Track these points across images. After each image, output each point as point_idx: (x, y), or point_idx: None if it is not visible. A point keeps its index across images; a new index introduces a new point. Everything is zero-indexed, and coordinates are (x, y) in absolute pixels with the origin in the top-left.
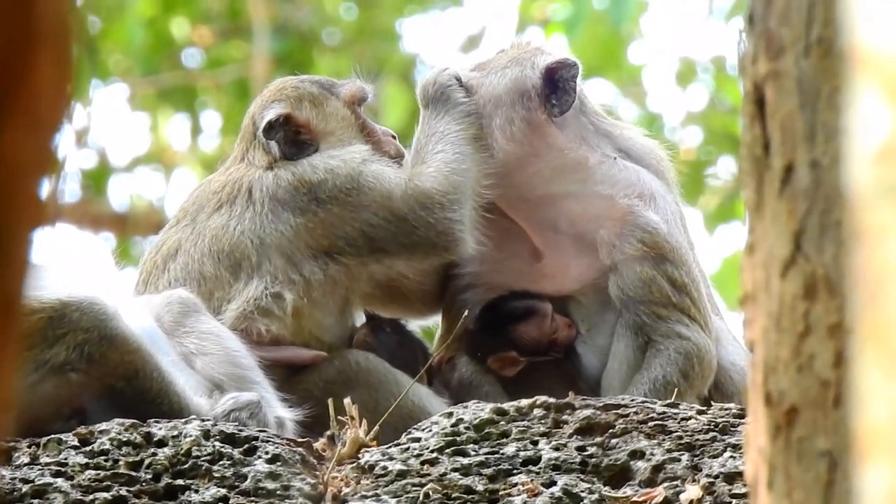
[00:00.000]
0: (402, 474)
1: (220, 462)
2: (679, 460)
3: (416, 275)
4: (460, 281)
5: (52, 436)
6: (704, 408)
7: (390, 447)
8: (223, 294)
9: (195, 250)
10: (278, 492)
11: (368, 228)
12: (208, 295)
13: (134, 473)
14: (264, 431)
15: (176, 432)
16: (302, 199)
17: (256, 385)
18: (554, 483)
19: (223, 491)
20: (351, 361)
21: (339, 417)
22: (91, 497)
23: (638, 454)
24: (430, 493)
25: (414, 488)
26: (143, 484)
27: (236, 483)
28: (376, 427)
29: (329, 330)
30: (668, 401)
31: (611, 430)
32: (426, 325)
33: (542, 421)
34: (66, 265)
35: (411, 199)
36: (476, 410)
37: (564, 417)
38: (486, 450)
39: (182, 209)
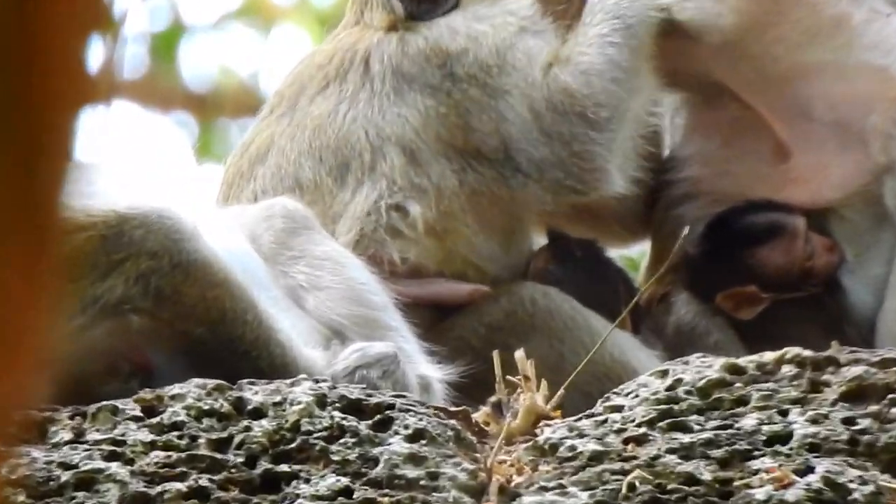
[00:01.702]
0: (597, 457)
1: (341, 440)
2: None
3: (580, 205)
4: (676, 189)
5: (105, 402)
6: None
7: (581, 419)
8: (325, 208)
9: (291, 148)
10: (422, 482)
11: (504, 127)
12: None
13: (219, 456)
14: (403, 397)
15: (278, 398)
16: (434, 74)
17: (392, 332)
18: (811, 469)
19: (345, 480)
20: (525, 299)
21: (508, 377)
22: (158, 489)
23: None
24: (637, 483)
25: (614, 477)
26: (233, 470)
27: (363, 469)
28: (561, 391)
29: (492, 256)
30: None
31: (891, 395)
32: (629, 253)
33: (794, 382)
34: (126, 163)
35: (547, 92)
36: (701, 368)
37: (825, 377)
38: (716, 423)
39: (278, 94)
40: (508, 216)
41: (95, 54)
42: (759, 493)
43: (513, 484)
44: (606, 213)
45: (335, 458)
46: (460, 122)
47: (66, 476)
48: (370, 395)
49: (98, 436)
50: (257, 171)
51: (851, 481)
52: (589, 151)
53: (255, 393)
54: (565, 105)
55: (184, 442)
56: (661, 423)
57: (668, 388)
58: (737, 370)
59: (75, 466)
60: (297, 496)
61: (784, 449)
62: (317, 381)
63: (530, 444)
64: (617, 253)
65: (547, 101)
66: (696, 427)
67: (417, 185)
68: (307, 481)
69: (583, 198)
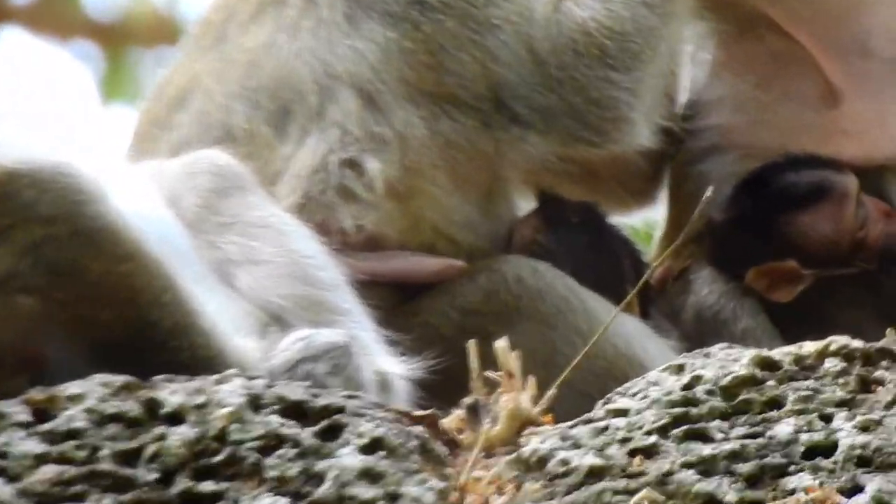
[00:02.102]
0: (596, 473)
1: (279, 452)
2: None
3: (578, 160)
4: (699, 140)
5: None
6: None
7: (576, 426)
8: (263, 165)
9: (219, 89)
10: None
11: (493, 70)
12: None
13: (127, 471)
14: (356, 398)
15: (202, 399)
16: (397, 1)
17: (343, 317)
18: (860, 489)
19: (282, 502)
20: (508, 277)
21: (486, 373)
22: None
23: None
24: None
25: (617, 498)
26: (144, 489)
27: (306, 489)
28: (552, 390)
29: (467, 223)
30: None
31: None
32: (632, 221)
33: (841, 380)
34: (14, 104)
35: (556, 30)
36: (725, 362)
37: (879, 374)
38: (743, 430)
39: (203, 21)
40: (489, 174)
41: None
42: None
43: None
44: (609, 170)
45: (271, 474)
46: (432, 62)
47: None
48: (316, 396)
49: None
50: (178, 118)
51: None
52: (610, 98)
53: (173, 393)
54: (579, 45)
55: (83, 454)
56: (675, 431)
57: (685, 387)
58: (770, 365)
59: None
60: None
61: (827, 463)
62: (250, 378)
63: (514, 456)
64: (622, 220)
65: (553, 41)
66: (719, 436)
67: (377, 135)
68: (236, 502)
69: (599, 151)
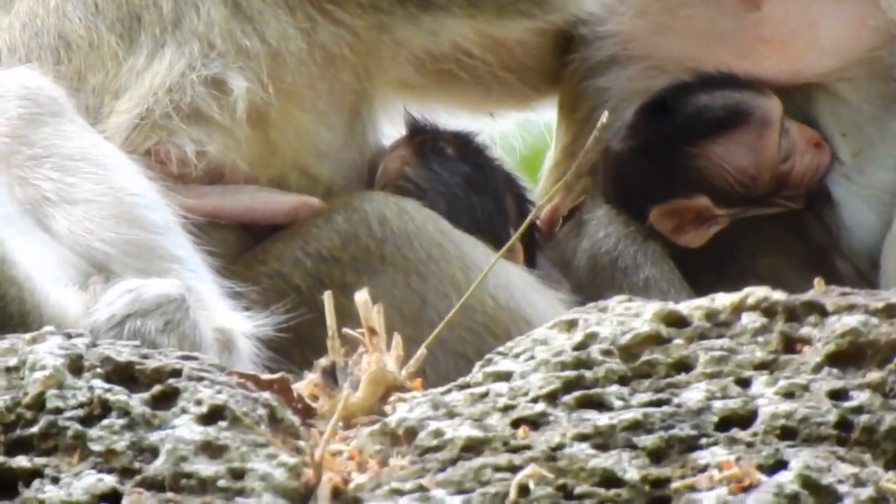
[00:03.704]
0: (473, 447)
1: (105, 422)
2: None
3: (491, 46)
4: (595, 50)
5: None
6: None
7: (450, 391)
8: (106, 79)
9: None
10: (221, 482)
11: None
12: (76, 79)
13: None
14: (194, 359)
15: (14, 361)
16: None
17: (178, 265)
18: (783, 464)
19: (110, 480)
20: (370, 217)
21: (345, 330)
22: None
23: None
24: (531, 484)
25: (498, 475)
26: None
27: (136, 464)
28: (421, 351)
29: (328, 153)
30: None
31: None
32: (519, 139)
33: (760, 338)
34: None
35: None
36: (625, 317)
37: (805, 331)
38: (645, 397)
39: None
40: (361, 89)
41: None
42: (707, 499)
43: (351, 485)
44: (491, 84)
45: (96, 447)
46: None
47: None
48: (146, 357)
49: None
50: (0, 21)
51: (841, 482)
52: None
53: None
54: None
55: None
56: (566, 398)
57: (578, 347)
58: (677, 321)
59: None
60: (41, 503)
61: (744, 435)
62: (69, 337)
63: (377, 427)
64: (504, 150)
65: None
66: (618, 403)
67: (245, 49)
68: (55, 481)
69: (537, 23)
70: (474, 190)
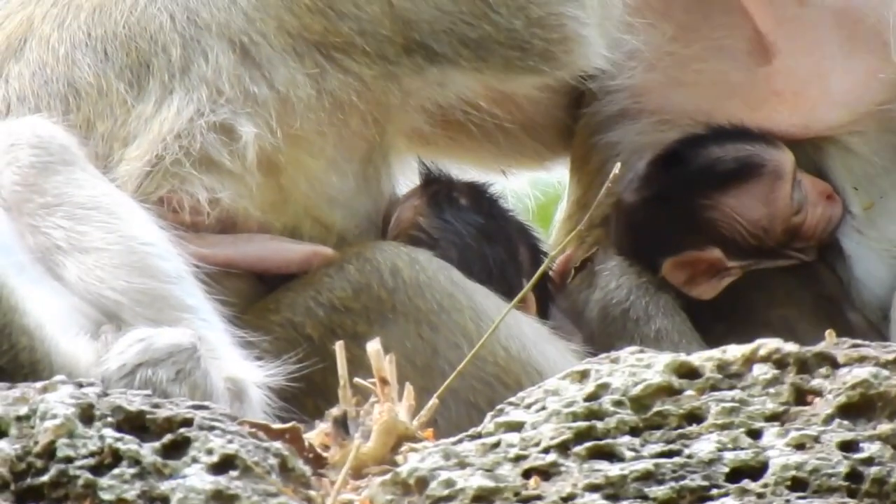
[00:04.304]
0: (485, 496)
1: (116, 471)
2: None
3: (499, 100)
4: (605, 105)
5: None
6: None
7: (461, 441)
8: (115, 126)
9: (60, 38)
10: None
11: (401, 4)
12: (86, 127)
13: None
14: (205, 408)
15: (24, 410)
16: None
17: (189, 314)
18: None
19: None
20: (382, 267)
21: (357, 380)
22: None
23: None
24: None
25: None
26: None
27: None
28: (433, 401)
29: (340, 200)
30: None
31: None
32: (531, 197)
33: (772, 390)
34: None
35: None
36: (636, 368)
37: (816, 383)
38: (657, 448)
39: None
40: (374, 138)
41: None
42: None
43: None
44: (503, 137)
45: (106, 496)
46: (318, 5)
47: None
48: (157, 407)
49: None
50: (9, 69)
51: None
52: (555, 15)
53: None
54: None
55: None
56: (577, 448)
57: (589, 398)
58: (688, 372)
59: None
60: None
61: (755, 486)
62: (80, 386)
63: (388, 477)
64: (517, 205)
65: None
66: (629, 454)
67: (253, 95)
68: None
69: (545, 79)
70: (487, 240)
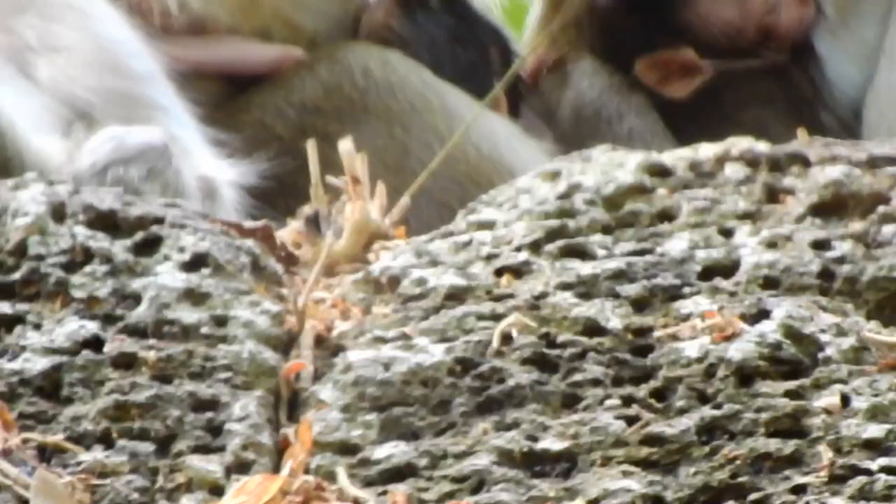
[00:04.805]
0: (456, 295)
1: (87, 269)
2: None
3: None
4: None
5: None
6: None
7: (433, 240)
8: None
9: None
10: (204, 329)
11: None
12: None
13: None
14: (177, 207)
15: None
16: None
17: (161, 113)
18: (765, 314)
19: (92, 326)
20: (354, 68)
21: (328, 179)
22: None
23: None
24: (514, 332)
25: (481, 324)
26: None
27: (119, 311)
28: (405, 199)
29: (309, 5)
30: None
31: (882, 208)
32: None
33: (744, 189)
34: None
35: None
36: (608, 167)
37: (788, 182)
38: (629, 247)
39: None
40: None
41: None
42: (690, 348)
43: (335, 332)
44: None
45: (78, 294)
46: None
47: None
48: (129, 205)
49: None
50: None
51: (824, 331)
52: None
53: None
54: None
55: None
56: (549, 247)
57: (561, 196)
58: (660, 171)
59: None
60: (23, 349)
61: (727, 284)
62: (51, 184)
63: (360, 275)
64: (489, 5)
65: None
66: (601, 252)
67: None
68: (37, 327)
69: None
70: (458, 41)
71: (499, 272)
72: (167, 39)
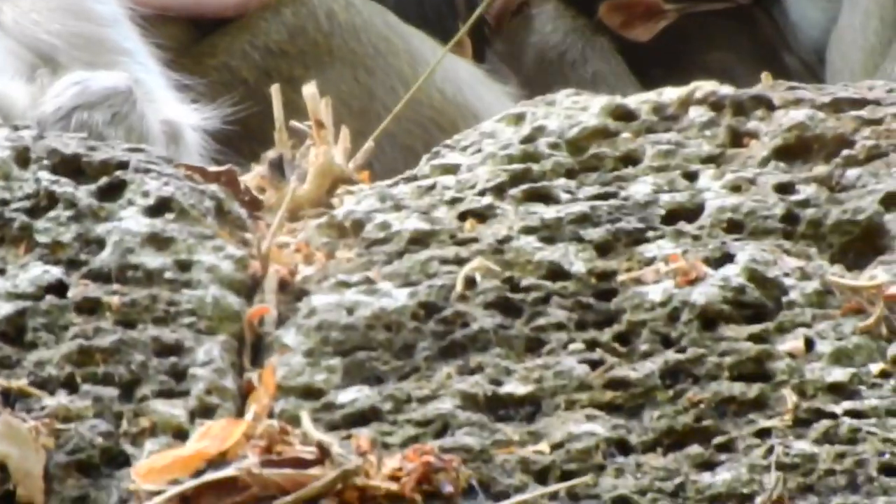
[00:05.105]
0: (420, 239)
1: (51, 213)
2: None
3: None
4: None
5: None
6: None
7: (397, 184)
8: None
9: None
10: (167, 273)
11: None
12: None
13: None
14: (140, 151)
15: None
16: None
17: (125, 57)
18: (729, 258)
19: (56, 271)
20: (318, 11)
21: (292, 123)
22: None
23: None
24: (478, 276)
25: (445, 268)
26: None
27: (83, 256)
28: (369, 143)
29: None
30: None
31: (846, 151)
32: None
33: (707, 132)
34: None
35: None
36: (572, 110)
37: (752, 125)
38: (592, 190)
39: None
40: None
41: None
42: (653, 292)
43: (298, 277)
44: None
45: (42, 238)
46: None
47: None
48: (93, 149)
49: None
50: None
51: (787, 274)
52: None
53: None
54: None
55: None
56: (513, 191)
57: (525, 140)
58: (624, 114)
59: None
60: None
61: (691, 228)
62: (16, 129)
63: (324, 219)
64: None
65: None
66: (565, 196)
67: None
68: (1, 272)
69: None
70: None
71: (462, 216)
72: None
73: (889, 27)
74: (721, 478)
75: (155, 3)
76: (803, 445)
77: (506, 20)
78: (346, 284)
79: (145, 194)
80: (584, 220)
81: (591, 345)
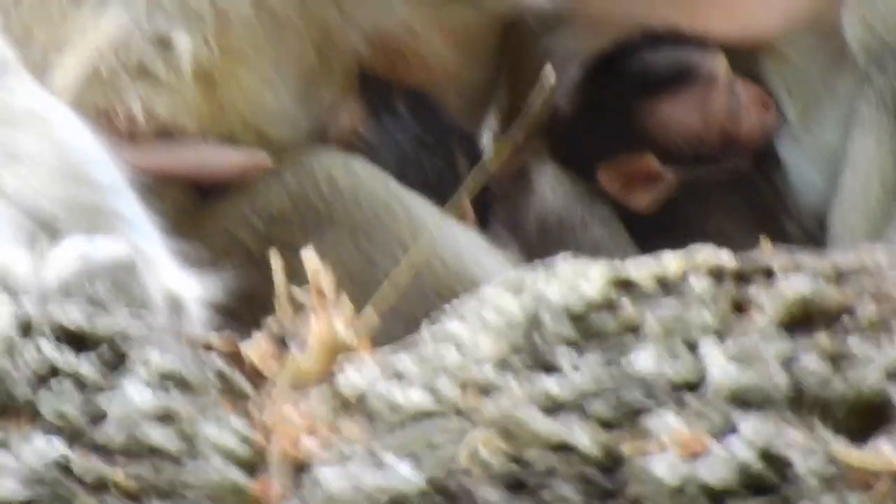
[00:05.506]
0: (423, 411)
1: (51, 384)
2: None
3: (435, 28)
4: (538, 11)
5: None
6: None
7: (398, 354)
8: (49, 31)
9: None
10: (170, 449)
11: None
12: (24, 33)
13: None
14: (142, 322)
15: None
16: None
17: (125, 224)
18: (733, 430)
19: (57, 444)
20: (318, 176)
21: (293, 288)
22: None
23: None
24: (482, 447)
25: (447, 439)
26: None
27: (87, 428)
28: (370, 312)
29: (279, 117)
30: None
31: (848, 318)
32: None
33: (707, 299)
34: None
35: None
36: (573, 279)
37: (752, 293)
38: (594, 359)
39: None
40: (315, 56)
41: None
42: (659, 465)
43: (302, 448)
44: (440, 64)
45: (45, 410)
46: None
47: None
48: (95, 320)
49: None
50: None
51: (791, 446)
52: None
53: None
54: None
55: None
56: (515, 360)
57: (525, 309)
58: (624, 282)
59: None
60: None
61: (694, 400)
62: (17, 298)
63: (326, 390)
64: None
65: None
66: (568, 369)
67: (192, 9)
68: (4, 446)
69: (482, 14)
70: (425, 147)
71: (465, 387)
72: (133, 146)
73: (890, 192)
74: None
75: (156, 165)
76: None
77: (507, 181)
78: (349, 458)
79: (148, 365)
80: (588, 393)
81: None
